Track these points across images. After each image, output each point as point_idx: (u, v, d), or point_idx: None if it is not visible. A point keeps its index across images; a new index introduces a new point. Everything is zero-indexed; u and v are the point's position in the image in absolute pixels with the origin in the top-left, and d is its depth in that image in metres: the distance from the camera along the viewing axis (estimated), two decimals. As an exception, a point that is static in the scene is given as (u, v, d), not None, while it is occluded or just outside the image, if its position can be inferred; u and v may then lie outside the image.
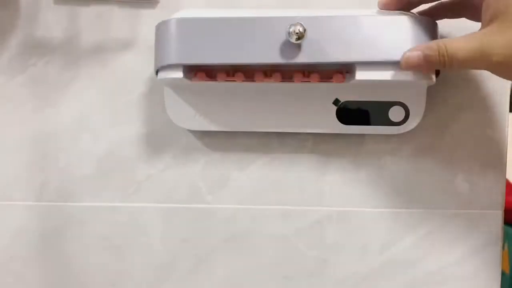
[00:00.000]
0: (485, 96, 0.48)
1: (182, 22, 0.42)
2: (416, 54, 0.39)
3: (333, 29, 0.41)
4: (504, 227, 0.49)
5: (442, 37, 0.45)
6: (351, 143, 0.49)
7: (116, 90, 0.49)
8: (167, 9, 0.48)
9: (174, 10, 0.44)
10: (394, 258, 0.49)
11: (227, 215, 0.50)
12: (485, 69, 0.38)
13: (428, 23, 0.42)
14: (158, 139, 0.49)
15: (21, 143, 0.50)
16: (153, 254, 0.50)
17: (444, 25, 0.44)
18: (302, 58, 0.41)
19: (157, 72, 0.44)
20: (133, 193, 0.50)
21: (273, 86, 0.45)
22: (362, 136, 0.48)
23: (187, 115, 0.47)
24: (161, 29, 0.43)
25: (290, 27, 0.40)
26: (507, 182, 0.49)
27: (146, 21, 0.48)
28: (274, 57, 0.41)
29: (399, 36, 0.41)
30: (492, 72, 0.38)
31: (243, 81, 0.44)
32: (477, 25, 0.39)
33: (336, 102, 0.46)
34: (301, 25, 0.40)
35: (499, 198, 0.48)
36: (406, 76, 0.42)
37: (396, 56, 0.41)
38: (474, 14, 0.41)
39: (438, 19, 0.43)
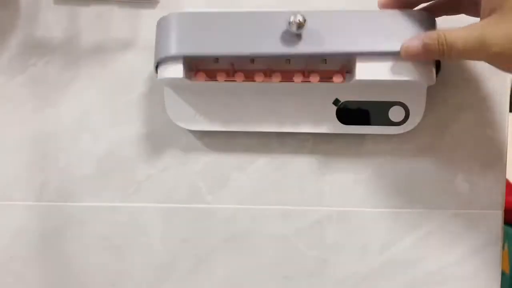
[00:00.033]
0: (485, 96, 0.48)
1: (183, 16, 0.43)
2: (416, 43, 0.39)
3: (334, 21, 0.42)
4: (504, 227, 0.49)
5: None
6: (351, 143, 0.49)
7: (116, 90, 0.49)
8: (167, 9, 0.48)
9: (174, 10, 0.44)
10: (394, 258, 0.49)
11: (227, 215, 0.50)
12: (483, 60, 0.39)
13: (427, 16, 0.42)
14: (158, 139, 0.49)
15: (21, 143, 0.50)
16: (153, 254, 0.50)
17: (443, 21, 0.44)
18: (303, 48, 0.41)
19: (156, 68, 0.44)
20: (133, 193, 0.50)
21: (273, 86, 0.45)
22: (362, 136, 0.48)
23: (187, 115, 0.47)
24: (161, 24, 0.43)
25: (290, 17, 0.40)
26: (507, 182, 0.49)
27: (146, 21, 0.48)
28: (274, 47, 0.41)
29: (399, 28, 0.41)
30: (491, 63, 0.39)
31: (243, 81, 0.44)
32: (476, 21, 0.40)
33: (336, 102, 0.46)
34: (302, 15, 0.40)
35: (499, 198, 0.48)
36: (406, 76, 0.42)
37: (396, 47, 0.41)
38: (472, 9, 0.42)
39: (437, 17, 0.43)
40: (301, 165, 0.49)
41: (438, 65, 0.44)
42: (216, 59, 0.45)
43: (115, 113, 0.49)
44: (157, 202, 0.50)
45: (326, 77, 0.44)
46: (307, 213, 0.49)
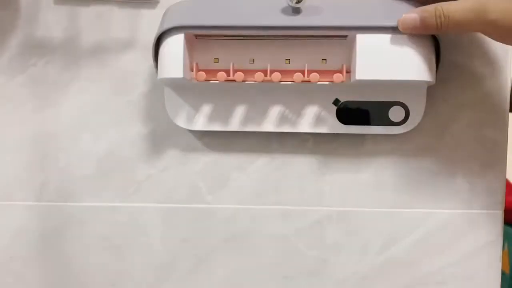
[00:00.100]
0: (485, 96, 0.48)
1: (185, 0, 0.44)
2: (413, 16, 0.40)
3: None
4: (504, 227, 0.49)
5: None
6: (351, 143, 0.49)
7: (116, 90, 0.49)
8: (167, 9, 0.48)
9: (174, 10, 0.44)
10: (394, 258, 0.49)
11: (227, 215, 0.50)
12: (481, 30, 0.39)
13: None
14: (158, 139, 0.49)
15: (21, 143, 0.50)
16: (153, 254, 0.50)
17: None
18: (301, 21, 0.42)
19: (156, 66, 0.44)
20: (133, 193, 0.50)
21: (273, 86, 0.45)
22: (362, 136, 0.48)
23: (187, 115, 0.47)
24: (165, 11, 0.45)
25: None
26: (507, 182, 0.49)
27: (146, 21, 0.48)
28: (273, 20, 0.42)
29: (398, 4, 0.42)
30: (488, 33, 0.39)
31: (243, 81, 0.44)
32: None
33: (336, 102, 0.46)
34: None
35: (499, 198, 0.48)
36: (406, 76, 0.42)
37: (395, 22, 0.41)
38: None
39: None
40: (301, 165, 0.49)
41: (436, 64, 0.44)
42: (216, 59, 0.45)
43: (115, 113, 0.49)
44: (157, 202, 0.50)
45: (326, 77, 0.44)
46: (307, 213, 0.49)
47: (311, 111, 0.47)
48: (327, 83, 0.44)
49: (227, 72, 0.44)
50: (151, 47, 0.44)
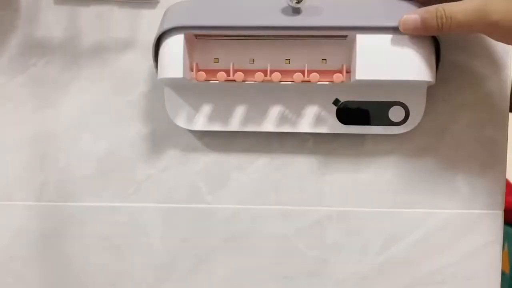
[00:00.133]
0: (485, 96, 0.48)
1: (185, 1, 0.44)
2: (414, 17, 0.40)
3: None
4: (504, 227, 0.49)
5: None
6: (351, 143, 0.49)
7: (116, 90, 0.49)
8: (167, 9, 0.48)
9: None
10: (394, 258, 0.49)
11: (227, 215, 0.50)
12: (483, 31, 0.39)
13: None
14: (158, 139, 0.49)
15: (21, 143, 0.50)
16: (153, 254, 0.50)
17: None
18: (301, 21, 0.42)
19: (156, 66, 0.44)
20: (133, 193, 0.50)
21: (273, 86, 0.45)
22: (362, 136, 0.48)
23: (187, 115, 0.47)
24: (166, 11, 0.44)
25: None
26: (507, 182, 0.49)
27: (146, 21, 0.48)
28: (273, 20, 0.42)
29: (399, 4, 0.42)
30: (490, 33, 0.39)
31: (243, 81, 0.44)
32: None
33: (336, 102, 0.46)
34: None
35: (499, 198, 0.48)
36: (406, 76, 0.42)
37: (396, 22, 0.41)
38: None
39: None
40: (301, 165, 0.49)
41: (436, 64, 0.44)
42: (216, 59, 0.45)
43: (115, 113, 0.49)
44: (157, 202, 0.50)
45: (326, 77, 0.44)
46: (307, 213, 0.49)
47: (311, 111, 0.47)
48: (327, 83, 0.44)
49: (227, 72, 0.44)
50: (151, 47, 0.44)
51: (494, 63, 0.47)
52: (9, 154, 0.50)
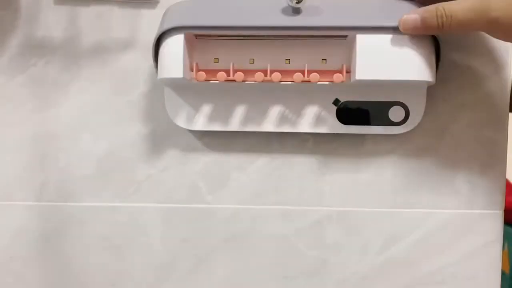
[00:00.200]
0: (485, 96, 0.48)
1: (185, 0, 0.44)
2: (414, 17, 0.40)
3: None
4: (504, 227, 0.49)
5: None
6: (351, 143, 0.49)
7: (116, 90, 0.49)
8: (167, 9, 0.48)
9: (174, 10, 0.44)
10: (394, 258, 0.49)
11: (227, 215, 0.50)
12: (483, 29, 0.39)
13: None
14: (158, 139, 0.49)
15: (21, 143, 0.50)
16: (153, 254, 0.50)
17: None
18: (302, 21, 0.42)
19: (156, 66, 0.44)
20: (133, 193, 0.50)
21: (273, 86, 0.45)
22: (362, 136, 0.48)
23: (187, 115, 0.47)
24: (166, 11, 0.44)
25: None
26: (507, 182, 0.49)
27: (146, 21, 0.48)
28: (273, 20, 0.42)
29: (398, 4, 0.42)
30: (490, 31, 0.39)
31: (243, 81, 0.44)
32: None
33: (336, 102, 0.46)
34: None
35: (499, 198, 0.48)
36: (406, 76, 0.42)
37: (395, 22, 0.41)
38: None
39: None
40: (301, 165, 0.49)
41: (436, 64, 0.44)
42: (216, 59, 0.45)
43: (115, 113, 0.49)
44: (157, 202, 0.50)
45: (326, 77, 0.44)
46: (307, 213, 0.49)
47: (311, 111, 0.47)
48: (327, 83, 0.44)
49: (227, 72, 0.44)
50: (151, 47, 0.44)
51: (494, 63, 0.47)
52: (9, 154, 0.50)
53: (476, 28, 0.40)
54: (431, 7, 0.39)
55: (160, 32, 0.43)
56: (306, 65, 0.44)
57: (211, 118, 0.47)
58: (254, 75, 0.43)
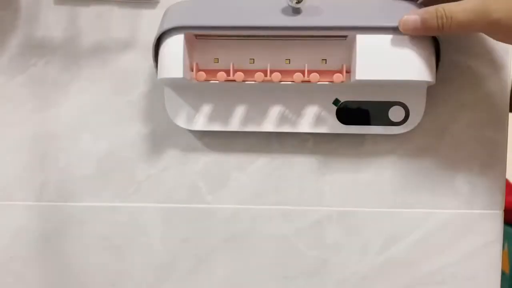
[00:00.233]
0: (485, 96, 0.48)
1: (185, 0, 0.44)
2: (414, 18, 0.40)
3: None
4: (504, 227, 0.49)
5: None
6: (351, 143, 0.49)
7: (116, 90, 0.49)
8: (167, 9, 0.48)
9: (174, 10, 0.44)
10: (394, 258, 0.49)
11: (227, 215, 0.50)
12: (483, 30, 0.39)
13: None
14: (158, 139, 0.49)
15: (21, 143, 0.50)
16: (153, 254, 0.50)
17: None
18: (302, 21, 0.42)
19: (156, 66, 0.44)
20: (133, 193, 0.50)
21: (273, 86, 0.45)
22: (362, 136, 0.48)
23: (187, 115, 0.47)
24: (166, 11, 0.44)
25: None
26: (507, 182, 0.49)
27: (146, 21, 0.48)
28: (273, 20, 0.42)
29: (398, 4, 0.42)
30: (490, 33, 0.39)
31: (243, 81, 0.44)
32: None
33: (336, 102, 0.46)
34: None
35: (499, 198, 0.48)
36: (406, 76, 0.42)
37: (395, 22, 0.41)
38: None
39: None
40: (301, 165, 0.49)
41: (436, 64, 0.44)
42: (216, 59, 0.45)
43: (115, 113, 0.49)
44: (157, 202, 0.50)
45: (326, 77, 0.44)
46: (307, 213, 0.49)
47: (311, 111, 0.47)
48: (327, 83, 0.44)
49: (227, 72, 0.44)
50: (151, 47, 0.44)
51: (494, 63, 0.47)
52: (9, 154, 0.50)
53: (477, 30, 0.39)
54: (431, 8, 0.39)
55: (160, 32, 0.43)
56: (306, 65, 0.44)
57: (211, 118, 0.47)
58: (254, 75, 0.43)
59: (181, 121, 0.47)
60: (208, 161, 0.49)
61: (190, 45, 0.44)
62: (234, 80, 0.44)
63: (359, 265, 0.49)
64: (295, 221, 0.49)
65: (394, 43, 0.41)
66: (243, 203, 0.49)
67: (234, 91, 0.46)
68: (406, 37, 0.41)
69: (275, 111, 0.47)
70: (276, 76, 0.43)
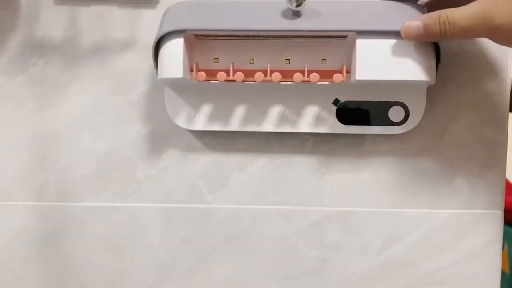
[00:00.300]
0: (485, 96, 0.48)
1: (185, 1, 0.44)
2: (416, 24, 0.40)
3: (334, 2, 0.43)
4: (504, 227, 0.49)
5: None
6: (351, 143, 0.49)
7: (116, 90, 0.49)
8: (167, 9, 0.48)
9: (174, 10, 0.44)
10: (394, 258, 0.49)
11: (227, 215, 0.50)
12: (486, 35, 0.39)
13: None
14: (158, 139, 0.49)
15: (21, 143, 0.50)
16: (153, 254, 0.50)
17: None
18: (301, 24, 0.42)
19: (156, 66, 0.44)
20: (133, 193, 0.50)
21: (273, 86, 0.45)
22: (362, 136, 0.48)
23: (187, 115, 0.47)
24: (166, 10, 0.44)
25: None
26: (507, 182, 0.49)
27: (146, 21, 0.48)
28: (273, 24, 0.42)
29: (397, 7, 0.42)
30: (493, 37, 0.39)
31: (243, 81, 0.44)
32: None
33: (336, 102, 0.46)
34: None
35: (499, 198, 0.48)
36: (406, 76, 0.42)
37: (396, 26, 0.41)
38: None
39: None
40: (301, 165, 0.49)
41: (436, 64, 0.44)
42: (216, 59, 0.45)
43: (115, 113, 0.49)
44: (157, 202, 0.50)
45: (326, 77, 0.44)
46: (307, 213, 0.49)
47: (311, 111, 0.47)
48: (327, 83, 0.44)
49: (227, 72, 0.44)
50: (151, 47, 0.44)
51: (494, 63, 0.47)
52: (9, 154, 0.50)
53: (479, 35, 0.39)
54: (434, 14, 0.39)
55: (160, 35, 0.43)
56: (306, 65, 0.44)
57: (211, 118, 0.47)
58: (254, 75, 0.43)
59: (181, 121, 0.47)
60: (208, 161, 0.49)
61: (190, 45, 0.44)
62: (234, 80, 0.44)
63: (359, 265, 0.49)
64: (295, 221, 0.49)
65: (394, 43, 0.41)
66: (243, 203, 0.49)
67: (234, 91, 0.46)
68: None
69: (275, 111, 0.47)
70: (276, 76, 0.43)
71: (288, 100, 0.47)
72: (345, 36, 0.43)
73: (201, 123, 0.47)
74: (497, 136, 0.48)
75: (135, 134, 0.49)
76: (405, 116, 0.46)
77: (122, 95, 0.49)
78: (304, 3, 0.41)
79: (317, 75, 0.43)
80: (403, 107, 0.46)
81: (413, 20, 0.40)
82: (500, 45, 0.46)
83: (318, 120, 0.47)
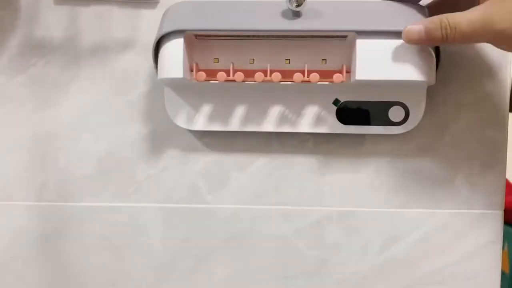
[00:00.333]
0: (485, 96, 0.48)
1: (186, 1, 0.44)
2: (418, 28, 0.39)
3: (334, 3, 0.43)
4: (504, 227, 0.49)
5: None
6: (351, 143, 0.49)
7: (116, 90, 0.49)
8: (167, 9, 0.48)
9: (174, 10, 0.44)
10: (394, 258, 0.49)
11: (227, 215, 0.50)
12: (487, 40, 0.39)
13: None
14: (158, 139, 0.49)
15: (21, 143, 0.50)
16: (153, 254, 0.50)
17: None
18: (301, 25, 0.42)
19: (156, 66, 0.44)
20: (133, 193, 0.50)
21: (273, 86, 0.45)
22: (362, 136, 0.48)
23: (187, 115, 0.47)
24: (166, 11, 0.44)
25: None
26: (507, 182, 0.49)
27: (146, 21, 0.48)
28: (273, 24, 0.42)
29: (397, 7, 0.42)
30: (495, 43, 0.39)
31: (243, 81, 0.44)
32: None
33: (336, 102, 0.46)
34: None
35: (499, 198, 0.48)
36: (406, 76, 0.42)
37: (397, 26, 0.41)
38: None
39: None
40: (301, 165, 0.49)
41: (436, 64, 0.44)
42: (216, 59, 0.45)
43: (115, 113, 0.49)
44: (157, 202, 0.50)
45: (326, 77, 0.44)
46: (307, 213, 0.49)
47: (311, 111, 0.47)
48: (327, 83, 0.44)
49: (227, 72, 0.44)
50: (151, 47, 0.44)
51: (494, 63, 0.47)
52: (9, 154, 0.50)
53: (481, 40, 0.39)
54: (435, 18, 0.39)
55: (159, 35, 0.43)
56: (306, 65, 0.44)
57: (211, 118, 0.47)
58: (254, 75, 0.43)
59: (181, 121, 0.47)
60: (208, 161, 0.49)
61: (190, 45, 0.44)
62: (234, 80, 0.44)
63: (359, 265, 0.49)
64: (295, 221, 0.49)
65: (394, 43, 0.41)
66: (243, 203, 0.49)
67: (234, 91, 0.46)
68: None
69: (275, 111, 0.47)
70: (276, 76, 0.43)
71: (288, 100, 0.47)
72: (345, 36, 0.43)
73: (201, 123, 0.47)
74: (497, 136, 0.48)
75: (135, 134, 0.49)
76: (405, 116, 0.46)
77: (122, 95, 0.49)
78: (304, 3, 0.41)
79: (317, 75, 0.43)
80: (403, 107, 0.46)
81: (414, 24, 0.40)
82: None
83: (318, 120, 0.47)
